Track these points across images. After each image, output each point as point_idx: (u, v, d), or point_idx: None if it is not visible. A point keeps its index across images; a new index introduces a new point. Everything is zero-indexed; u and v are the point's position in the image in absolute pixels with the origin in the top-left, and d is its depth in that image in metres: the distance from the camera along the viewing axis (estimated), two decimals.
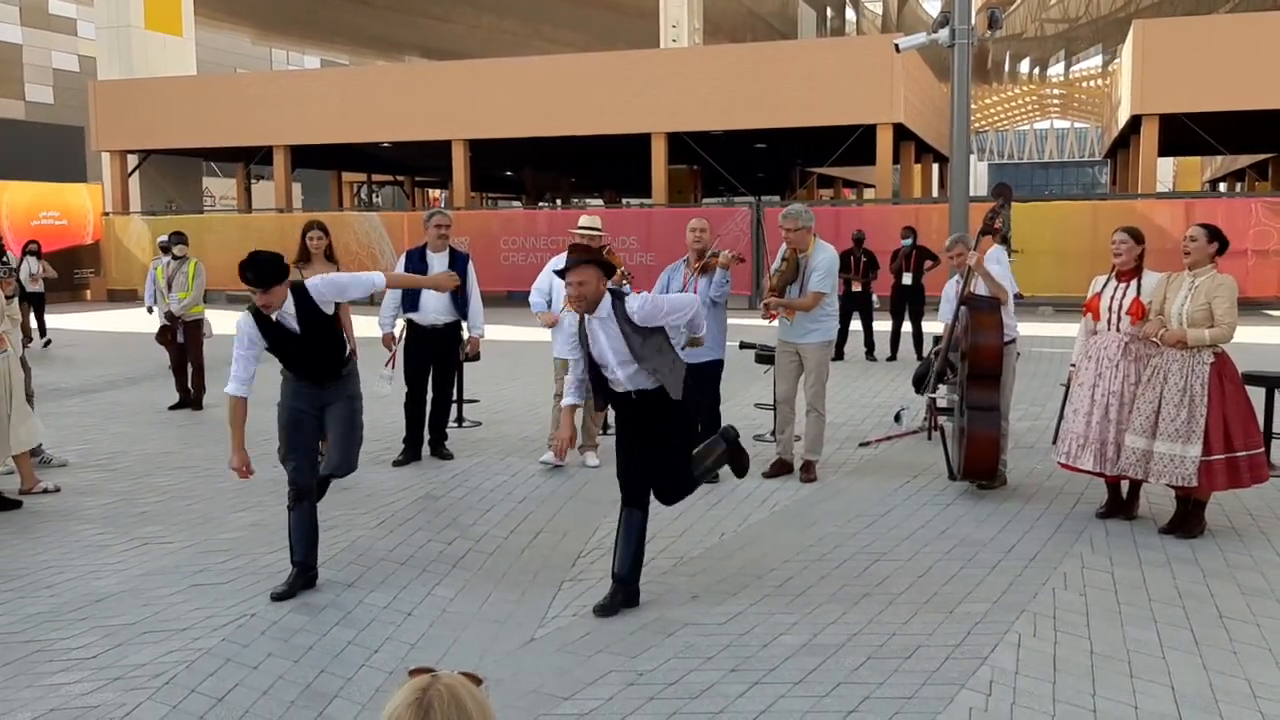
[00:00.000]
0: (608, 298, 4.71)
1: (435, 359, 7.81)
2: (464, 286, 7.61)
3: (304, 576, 5.09)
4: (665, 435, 4.82)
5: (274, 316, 4.99)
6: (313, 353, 5.11)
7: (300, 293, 5.01)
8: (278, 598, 4.94)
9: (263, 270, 4.83)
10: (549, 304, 7.71)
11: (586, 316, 4.74)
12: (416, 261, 7.73)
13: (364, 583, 5.20)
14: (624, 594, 4.83)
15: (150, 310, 10.89)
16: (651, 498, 4.91)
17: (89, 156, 27.25)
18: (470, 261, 7.92)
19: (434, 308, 7.67)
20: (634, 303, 4.70)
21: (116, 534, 6.08)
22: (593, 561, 5.49)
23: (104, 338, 16.52)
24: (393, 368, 7.90)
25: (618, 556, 4.86)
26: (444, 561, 5.50)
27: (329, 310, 5.07)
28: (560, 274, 4.85)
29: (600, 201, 40.39)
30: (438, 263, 7.69)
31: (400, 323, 7.88)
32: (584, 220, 7.63)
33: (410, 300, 7.67)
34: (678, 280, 7.22)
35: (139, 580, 5.27)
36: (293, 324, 5.01)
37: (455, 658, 4.30)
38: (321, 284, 5.06)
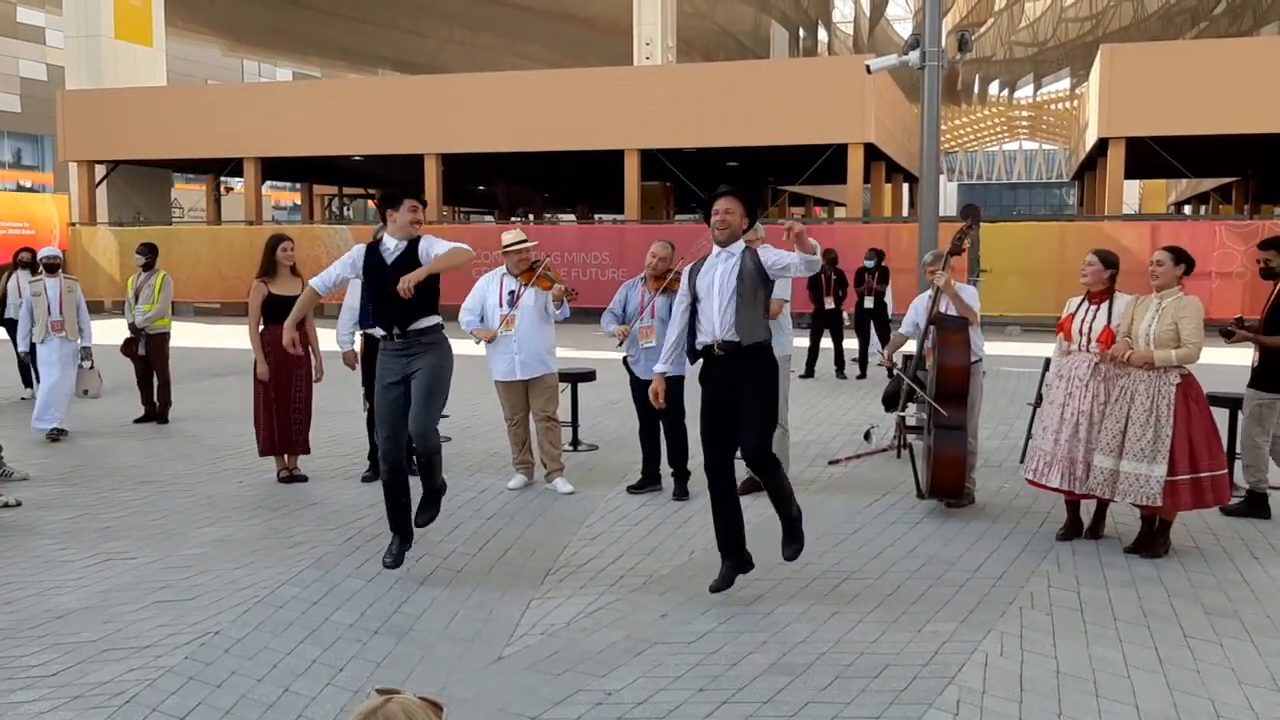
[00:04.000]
0: (741, 242, 5.07)
1: None
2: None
3: (405, 543, 5.49)
4: (749, 390, 4.97)
5: (387, 245, 5.41)
6: (395, 296, 5.26)
7: (415, 239, 5.42)
8: (389, 566, 5.42)
9: (409, 186, 5.42)
10: (481, 320, 7.46)
11: (716, 251, 5.07)
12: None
13: (330, 600, 5.15)
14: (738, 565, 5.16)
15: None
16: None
17: (55, 166, 26.95)
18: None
19: None
20: (765, 251, 5.04)
21: (78, 549, 5.99)
22: (561, 579, 5.47)
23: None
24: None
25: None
26: (411, 579, 5.46)
27: (425, 256, 5.32)
28: (710, 201, 5.14)
29: (573, 217, 40.40)
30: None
31: (358, 338, 7.77)
32: (509, 237, 7.39)
33: (368, 315, 7.52)
34: (635, 297, 7.28)
35: (101, 596, 5.19)
36: (393, 259, 5.38)
37: (422, 676, 4.26)
38: (433, 241, 5.43)
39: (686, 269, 5.30)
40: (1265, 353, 6.71)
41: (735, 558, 5.17)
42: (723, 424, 5.05)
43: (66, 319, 9.49)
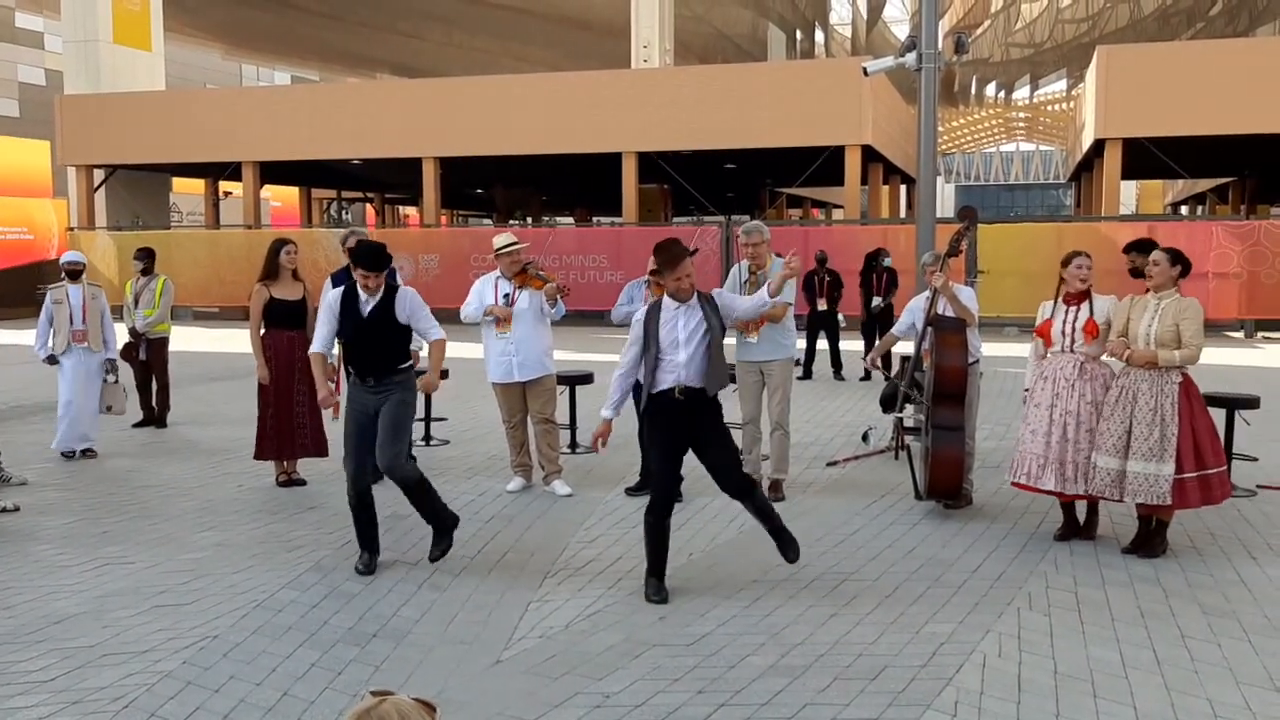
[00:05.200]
0: (695, 291, 5.27)
1: None
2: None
3: (375, 554, 5.71)
4: (710, 427, 5.21)
5: (362, 299, 5.64)
6: (372, 344, 5.66)
7: (391, 290, 5.69)
8: (361, 573, 5.57)
9: (376, 257, 5.57)
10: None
11: (668, 304, 5.22)
12: (345, 280, 7.51)
13: (328, 604, 5.15)
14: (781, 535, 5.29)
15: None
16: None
17: (54, 170, 26.95)
18: (399, 274, 7.79)
19: None
20: (716, 295, 5.36)
21: (77, 554, 5.99)
22: (560, 582, 5.47)
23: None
24: (338, 392, 7.68)
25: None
26: (409, 582, 5.46)
27: (401, 319, 5.68)
28: (654, 273, 5.44)
29: (571, 220, 40.41)
30: None
31: (336, 349, 7.70)
32: (501, 240, 7.37)
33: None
34: (640, 297, 7.26)
35: (99, 601, 5.20)
36: (369, 310, 5.65)
37: (421, 679, 4.27)
38: (411, 298, 5.74)
39: (641, 312, 5.40)
40: None
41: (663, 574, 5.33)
42: (677, 463, 5.28)
43: (90, 328, 8.88)
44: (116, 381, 9.26)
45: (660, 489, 5.25)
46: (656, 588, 5.22)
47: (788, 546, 5.27)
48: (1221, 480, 5.74)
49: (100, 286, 9.35)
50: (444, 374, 7.91)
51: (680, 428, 5.22)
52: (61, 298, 8.88)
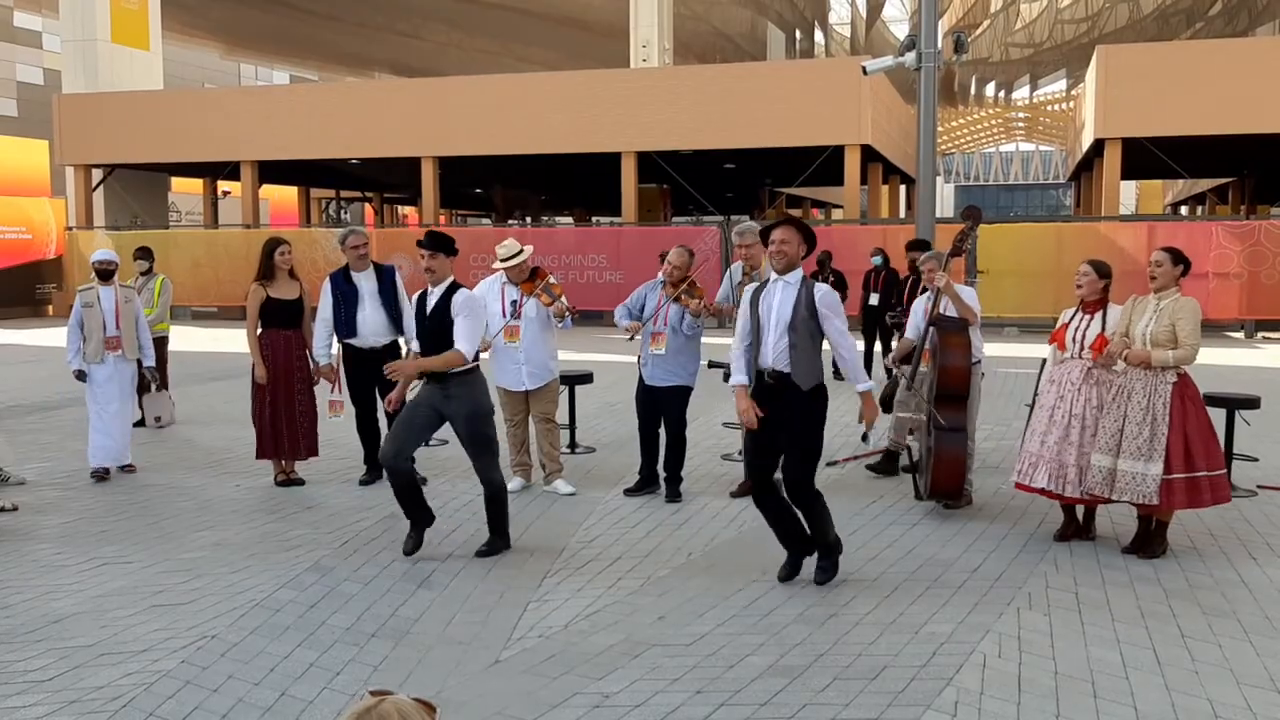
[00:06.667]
0: (800, 271, 5.13)
1: (380, 382, 7.29)
2: (395, 301, 7.52)
3: (422, 527, 5.88)
4: (792, 425, 5.09)
5: (430, 294, 5.81)
6: (434, 340, 5.76)
7: (454, 286, 5.82)
8: (408, 553, 5.78)
9: (443, 240, 5.80)
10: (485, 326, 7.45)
11: (773, 278, 5.13)
12: (341, 284, 7.50)
13: (327, 603, 5.14)
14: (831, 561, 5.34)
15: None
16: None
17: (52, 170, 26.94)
18: (398, 273, 7.80)
19: (372, 329, 7.48)
20: (821, 290, 5.13)
21: (75, 553, 5.98)
22: (559, 582, 5.46)
23: (65, 353, 16.24)
24: (339, 391, 7.69)
25: (799, 534, 5.32)
26: (409, 582, 5.45)
27: (453, 311, 5.72)
28: (765, 233, 5.25)
29: (570, 220, 40.41)
30: (364, 281, 7.53)
31: (335, 348, 7.72)
32: (503, 251, 7.23)
33: (347, 325, 7.49)
34: (653, 299, 7.22)
35: (97, 601, 5.18)
36: (432, 305, 5.80)
37: (419, 679, 4.26)
38: (468, 299, 5.80)
39: (749, 290, 5.34)
40: None
41: (799, 547, 5.39)
42: (764, 447, 5.21)
43: (124, 334, 7.99)
44: (161, 388, 8.62)
45: (749, 473, 5.41)
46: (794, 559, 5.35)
47: (823, 566, 5.35)
48: (1214, 484, 5.71)
49: (133, 288, 8.55)
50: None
51: (766, 413, 5.15)
52: (92, 301, 7.96)
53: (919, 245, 7.98)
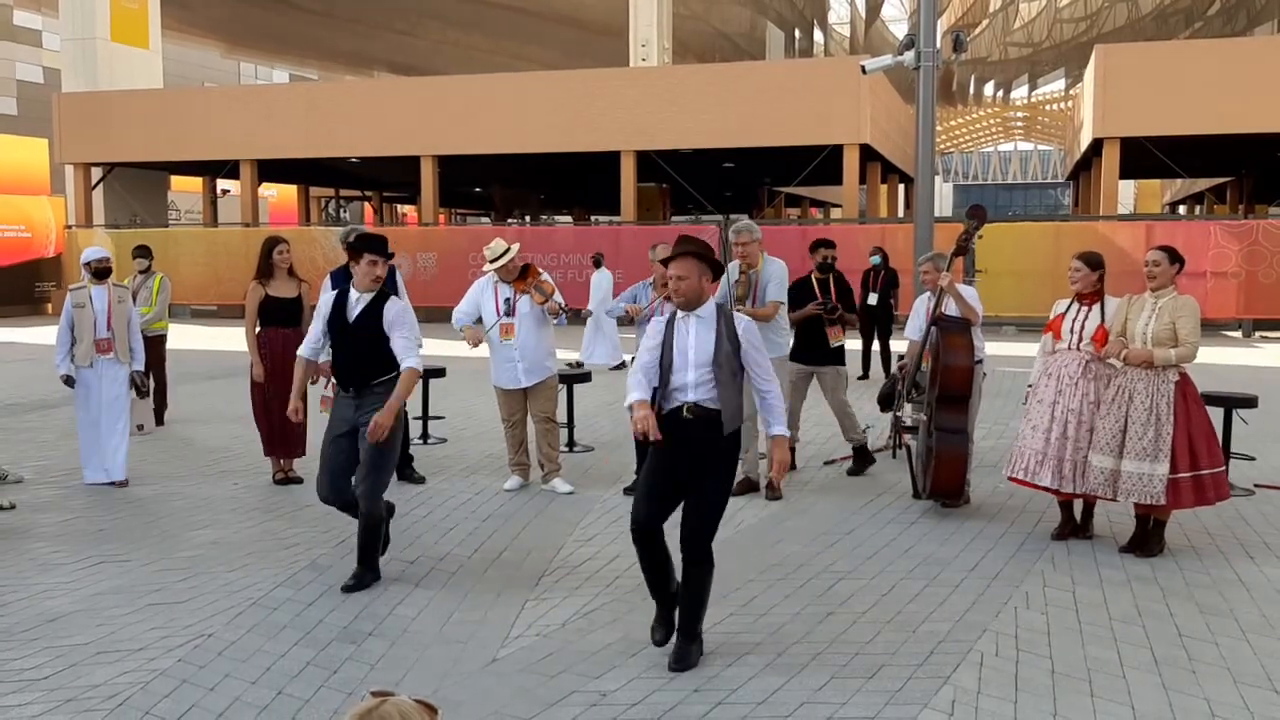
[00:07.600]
0: (712, 303, 4.47)
1: None
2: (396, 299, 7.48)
3: (369, 573, 5.37)
4: (713, 469, 4.38)
5: (352, 296, 5.38)
6: (354, 348, 5.37)
7: (383, 295, 5.42)
8: (346, 590, 5.24)
9: (381, 244, 5.43)
10: (477, 324, 7.37)
11: (681, 313, 4.46)
12: (342, 282, 7.48)
13: (324, 602, 5.14)
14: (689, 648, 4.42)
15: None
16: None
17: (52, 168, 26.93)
18: (398, 272, 7.77)
19: None
20: (744, 322, 4.48)
21: (71, 552, 5.97)
22: (557, 580, 5.46)
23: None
24: (331, 388, 7.66)
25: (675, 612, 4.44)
26: (406, 580, 5.45)
27: (386, 324, 5.32)
28: (664, 263, 4.83)
29: (569, 218, 40.41)
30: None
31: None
32: (491, 251, 7.17)
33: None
34: (645, 298, 7.25)
35: (94, 599, 5.18)
36: (357, 312, 5.37)
37: (417, 678, 4.25)
38: (401, 310, 5.40)
39: (657, 323, 4.61)
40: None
41: (674, 602, 4.50)
42: (666, 494, 4.43)
43: (117, 337, 7.60)
44: (145, 395, 8.30)
45: (638, 514, 4.46)
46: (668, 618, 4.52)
47: (682, 657, 4.36)
48: (1217, 481, 5.73)
49: (127, 288, 8.27)
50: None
51: (680, 451, 4.40)
52: (83, 301, 7.57)
53: (823, 244, 8.35)
